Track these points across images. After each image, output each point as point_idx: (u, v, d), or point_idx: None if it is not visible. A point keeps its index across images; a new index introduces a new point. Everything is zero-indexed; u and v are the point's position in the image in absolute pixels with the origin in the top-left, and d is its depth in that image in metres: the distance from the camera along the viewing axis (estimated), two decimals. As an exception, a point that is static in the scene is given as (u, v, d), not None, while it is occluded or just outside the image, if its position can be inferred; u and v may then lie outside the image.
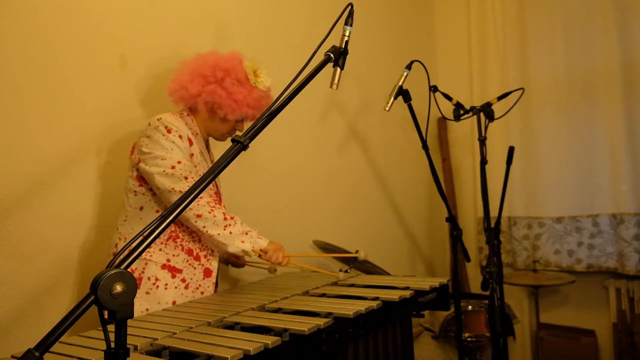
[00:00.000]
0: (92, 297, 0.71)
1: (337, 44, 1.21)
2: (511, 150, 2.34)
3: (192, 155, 1.69)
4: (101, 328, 0.74)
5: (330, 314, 1.34)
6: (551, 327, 3.26)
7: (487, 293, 2.13)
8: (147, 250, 1.07)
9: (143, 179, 1.66)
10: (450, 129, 3.82)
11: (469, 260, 2.17)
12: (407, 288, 1.66)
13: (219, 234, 1.61)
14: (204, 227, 1.60)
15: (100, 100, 1.86)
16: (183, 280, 1.67)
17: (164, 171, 1.58)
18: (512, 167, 2.36)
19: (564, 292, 3.35)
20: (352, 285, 1.77)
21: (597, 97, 3.20)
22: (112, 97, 1.89)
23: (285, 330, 1.20)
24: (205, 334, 1.20)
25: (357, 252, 2.16)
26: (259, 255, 1.71)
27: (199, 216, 1.59)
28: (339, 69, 1.22)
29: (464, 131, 3.71)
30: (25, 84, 1.66)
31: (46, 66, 1.71)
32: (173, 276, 1.65)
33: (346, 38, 1.22)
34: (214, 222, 1.60)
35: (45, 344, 0.69)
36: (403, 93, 1.95)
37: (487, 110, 2.36)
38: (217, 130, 1.81)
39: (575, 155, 3.27)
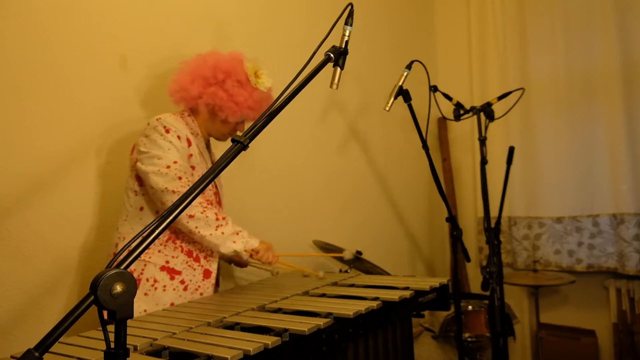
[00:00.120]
0: (92, 297, 0.71)
1: (337, 44, 1.20)
2: (511, 150, 2.34)
3: (190, 155, 1.69)
4: (101, 328, 0.74)
5: (330, 314, 1.34)
6: (551, 327, 3.25)
7: (487, 293, 2.13)
8: (146, 251, 1.08)
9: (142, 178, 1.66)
10: (450, 129, 3.82)
11: (469, 260, 2.16)
12: (407, 288, 1.66)
13: (211, 234, 1.61)
14: (196, 227, 1.60)
15: (100, 100, 1.86)
16: (182, 282, 1.66)
17: (159, 170, 1.58)
18: (512, 167, 2.37)
19: (564, 292, 3.35)
20: (352, 285, 1.77)
21: (597, 97, 3.20)
22: (112, 97, 1.89)
23: (285, 330, 1.20)
24: (205, 334, 1.20)
25: (343, 252, 2.17)
26: (250, 255, 1.71)
27: (191, 217, 1.59)
28: (339, 69, 1.22)
29: (464, 131, 3.71)
30: (25, 84, 1.66)
31: (46, 66, 1.71)
32: (172, 278, 1.65)
33: (346, 38, 1.21)
34: (206, 223, 1.60)
35: (45, 344, 0.69)
36: (403, 93, 1.95)
37: (487, 110, 2.37)
38: (217, 130, 1.81)
39: (576, 155, 3.26)
